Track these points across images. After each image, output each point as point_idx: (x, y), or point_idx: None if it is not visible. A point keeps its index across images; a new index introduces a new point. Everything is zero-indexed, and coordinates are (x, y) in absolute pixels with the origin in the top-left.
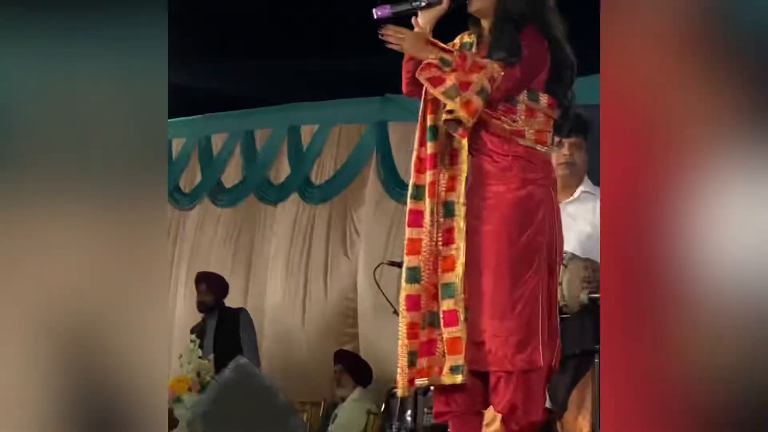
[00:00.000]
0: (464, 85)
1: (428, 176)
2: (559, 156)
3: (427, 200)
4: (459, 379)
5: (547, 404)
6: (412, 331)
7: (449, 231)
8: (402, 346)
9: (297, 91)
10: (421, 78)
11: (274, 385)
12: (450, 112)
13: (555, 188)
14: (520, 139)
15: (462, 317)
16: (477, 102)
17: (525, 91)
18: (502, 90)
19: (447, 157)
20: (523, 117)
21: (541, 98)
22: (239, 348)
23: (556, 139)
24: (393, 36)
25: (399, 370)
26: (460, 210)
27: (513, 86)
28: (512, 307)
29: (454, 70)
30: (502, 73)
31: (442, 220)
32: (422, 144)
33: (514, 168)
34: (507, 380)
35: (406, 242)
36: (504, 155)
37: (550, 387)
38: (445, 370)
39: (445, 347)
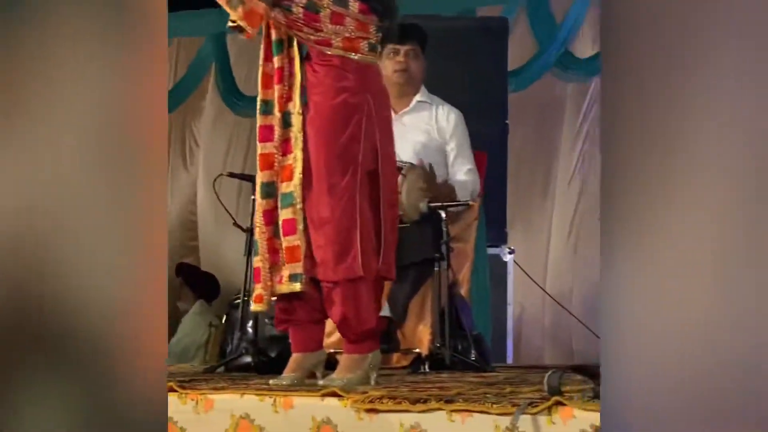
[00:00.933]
0: None
1: (277, 90)
2: (393, 63)
3: (277, 114)
4: (297, 287)
5: (387, 313)
6: (272, 245)
7: (287, 141)
8: (264, 261)
9: None
10: None
11: None
12: (233, 21)
13: (377, 95)
14: (327, 49)
15: (300, 226)
16: (260, 8)
17: None
18: None
19: (287, 68)
20: (328, 25)
21: (350, 4)
22: None
23: (393, 46)
24: None
25: (261, 285)
26: (297, 120)
27: None
28: (331, 215)
29: None
30: None
31: (282, 131)
32: (268, 59)
33: (329, 77)
34: (334, 290)
35: (258, 158)
36: (320, 65)
37: (390, 295)
38: (284, 278)
39: (284, 255)
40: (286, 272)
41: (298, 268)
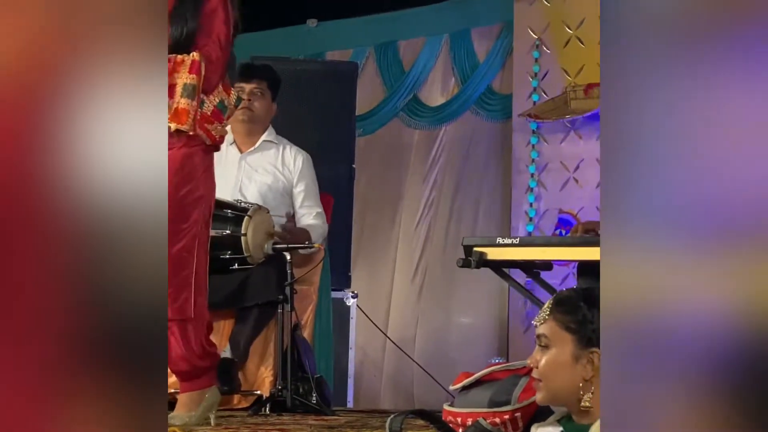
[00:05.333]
0: (170, 91)
1: None
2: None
3: None
4: None
5: (228, 353)
6: None
7: None
8: None
9: None
10: None
11: None
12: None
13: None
14: (221, 145)
15: None
16: (187, 105)
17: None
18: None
19: None
20: (225, 124)
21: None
22: None
23: (239, 84)
24: None
25: None
26: None
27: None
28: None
29: None
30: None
31: None
32: None
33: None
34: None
35: None
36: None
37: (232, 336)
38: None
39: None
40: None
41: None
